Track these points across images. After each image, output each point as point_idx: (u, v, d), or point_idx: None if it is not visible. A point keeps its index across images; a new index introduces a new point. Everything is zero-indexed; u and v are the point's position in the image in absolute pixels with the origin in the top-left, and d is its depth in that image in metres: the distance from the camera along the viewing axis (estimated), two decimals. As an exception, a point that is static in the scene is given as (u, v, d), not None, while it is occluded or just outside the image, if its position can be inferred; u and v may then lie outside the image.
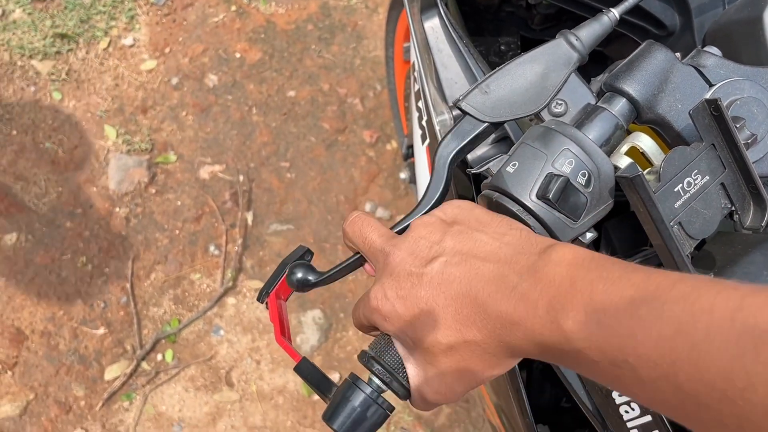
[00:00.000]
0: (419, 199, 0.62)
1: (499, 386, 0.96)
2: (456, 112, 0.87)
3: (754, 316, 0.36)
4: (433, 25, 0.91)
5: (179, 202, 2.31)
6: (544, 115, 0.62)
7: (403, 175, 1.93)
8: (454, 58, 0.88)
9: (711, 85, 0.60)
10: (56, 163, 2.33)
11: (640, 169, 0.53)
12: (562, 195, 0.55)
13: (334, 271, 0.62)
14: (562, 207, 0.55)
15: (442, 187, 0.62)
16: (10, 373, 2.07)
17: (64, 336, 2.12)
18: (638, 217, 0.56)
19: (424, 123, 1.10)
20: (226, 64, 2.52)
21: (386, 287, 0.54)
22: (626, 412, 0.75)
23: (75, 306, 2.16)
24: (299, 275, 0.63)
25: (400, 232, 0.59)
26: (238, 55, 2.54)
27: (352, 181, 2.36)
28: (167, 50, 2.54)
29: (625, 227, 0.87)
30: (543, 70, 0.62)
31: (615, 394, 0.75)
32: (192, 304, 2.20)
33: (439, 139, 0.94)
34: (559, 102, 0.62)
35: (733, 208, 0.58)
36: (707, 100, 0.55)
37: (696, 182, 0.56)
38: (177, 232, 2.28)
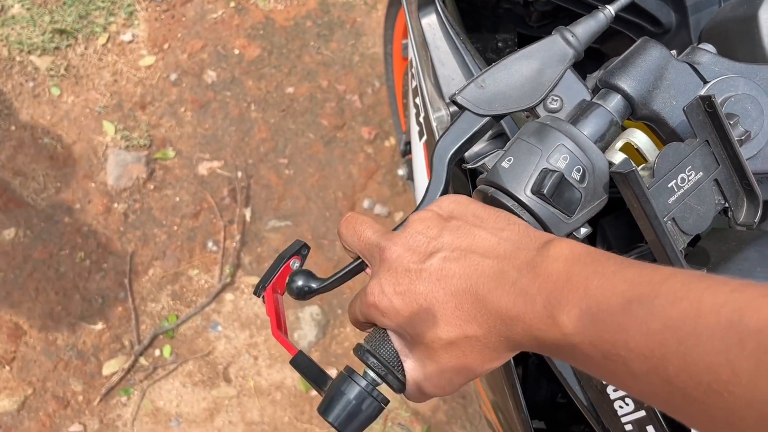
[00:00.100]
0: (419, 198, 0.62)
1: (495, 382, 0.97)
2: (453, 108, 0.87)
3: (740, 312, 0.37)
4: (430, 22, 0.91)
5: (177, 198, 2.32)
6: (540, 110, 0.62)
7: (401, 172, 1.94)
8: (451, 54, 0.88)
9: (705, 82, 0.60)
10: (55, 158, 2.33)
11: (634, 165, 0.53)
12: (556, 190, 0.55)
13: (336, 277, 0.62)
14: (556, 202, 0.56)
15: (442, 186, 0.63)
16: (8, 368, 2.07)
17: (62, 331, 2.13)
18: (632, 213, 0.56)
19: (421, 119, 1.11)
20: (224, 61, 2.52)
21: (384, 283, 0.53)
22: (620, 407, 0.75)
23: (73, 301, 2.16)
24: (300, 283, 0.62)
25: None
26: (236, 52, 2.54)
27: (351, 177, 2.37)
28: (166, 46, 2.54)
29: (620, 224, 0.87)
30: (539, 66, 0.62)
31: (610, 389, 0.76)
32: (190, 299, 2.21)
33: (436, 135, 0.95)
34: (555, 98, 0.62)
35: (727, 205, 0.59)
36: (701, 97, 0.55)
37: (690, 178, 0.56)
38: (175, 228, 2.28)
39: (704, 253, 0.64)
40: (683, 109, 0.57)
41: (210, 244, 2.26)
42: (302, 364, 0.60)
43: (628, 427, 0.75)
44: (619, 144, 0.60)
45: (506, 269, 0.49)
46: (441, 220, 0.55)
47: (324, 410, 0.56)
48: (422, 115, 1.07)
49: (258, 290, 0.63)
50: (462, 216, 0.55)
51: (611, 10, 0.65)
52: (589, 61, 0.74)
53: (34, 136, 2.35)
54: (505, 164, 0.58)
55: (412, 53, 1.10)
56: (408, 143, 1.78)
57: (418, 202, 0.63)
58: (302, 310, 2.18)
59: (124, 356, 2.12)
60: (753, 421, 0.35)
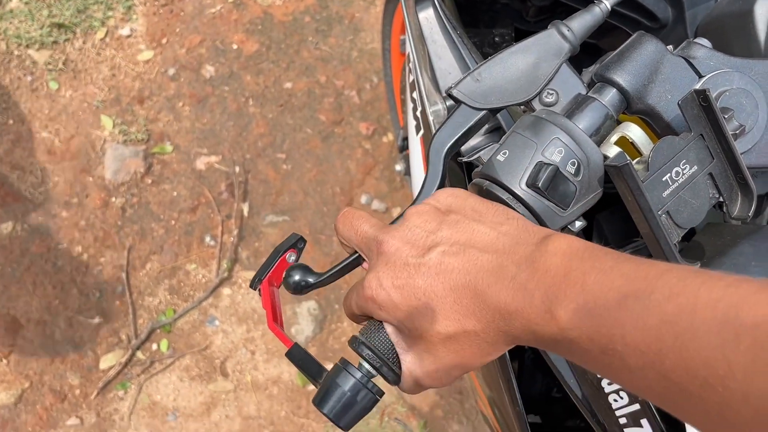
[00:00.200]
0: (415, 192, 0.62)
1: (491, 377, 0.97)
2: (450, 102, 0.87)
3: (736, 307, 0.37)
4: (427, 16, 0.92)
5: (175, 193, 2.32)
6: (535, 104, 0.62)
7: (398, 167, 1.93)
8: (448, 48, 0.88)
9: (700, 77, 0.61)
10: (52, 152, 2.33)
11: (628, 158, 0.53)
12: (551, 183, 0.55)
13: (333, 272, 0.62)
14: (551, 195, 0.56)
15: (438, 180, 0.63)
16: (5, 361, 2.08)
17: (60, 325, 2.13)
18: (627, 206, 0.56)
19: (418, 114, 1.11)
20: (223, 56, 2.52)
21: (382, 276, 0.53)
22: (615, 401, 0.76)
23: (70, 295, 2.16)
24: (297, 277, 0.62)
25: None
26: (235, 47, 2.54)
27: (348, 173, 2.37)
28: (164, 41, 2.53)
29: (616, 219, 0.87)
30: (535, 60, 0.62)
31: (604, 383, 0.76)
32: (187, 294, 2.21)
33: (433, 130, 0.95)
34: (550, 92, 0.62)
35: (721, 198, 0.59)
36: (696, 91, 0.55)
37: (684, 172, 0.56)
38: (173, 222, 2.28)
39: (699, 247, 0.64)
40: (678, 103, 0.57)
41: (207, 238, 2.26)
42: (298, 356, 0.60)
43: (623, 420, 0.75)
44: (614, 138, 0.60)
45: (505, 264, 0.49)
46: (439, 214, 0.55)
47: (319, 402, 0.56)
48: (419, 109, 1.07)
49: (254, 283, 0.63)
50: (460, 210, 0.55)
51: (607, 4, 0.65)
52: (587, 56, 0.74)
53: (32, 130, 2.35)
54: (500, 157, 0.58)
55: (409, 48, 1.10)
56: (406, 139, 1.78)
57: (415, 197, 0.63)
58: (299, 305, 2.18)
59: (121, 350, 2.12)
60: (748, 416, 0.36)
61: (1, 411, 2.02)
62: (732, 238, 0.63)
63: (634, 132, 0.60)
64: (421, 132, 1.10)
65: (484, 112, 0.63)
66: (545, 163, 0.56)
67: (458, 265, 0.51)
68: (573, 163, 0.56)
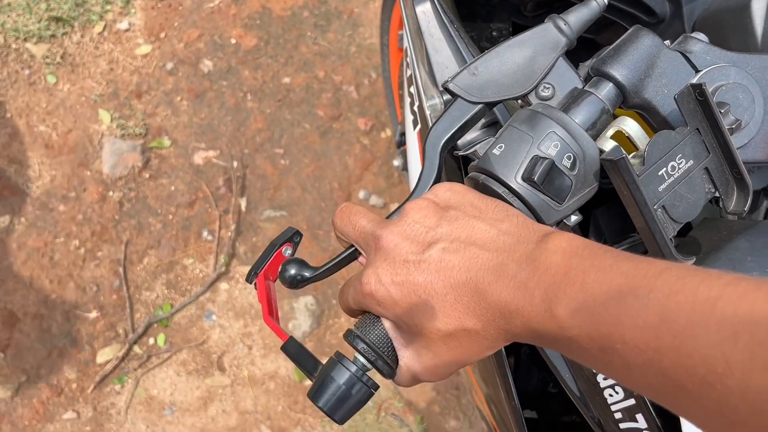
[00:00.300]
0: (412, 186, 0.62)
1: (487, 373, 0.97)
2: (447, 96, 0.87)
3: (734, 305, 0.37)
4: (424, 10, 0.91)
5: (173, 187, 2.31)
6: (532, 98, 0.62)
7: (396, 163, 1.93)
8: (445, 42, 0.88)
9: (697, 71, 0.60)
10: (50, 146, 2.33)
11: (624, 152, 0.53)
12: (547, 177, 0.55)
13: (329, 266, 0.62)
14: (547, 189, 0.56)
15: (435, 174, 0.62)
16: (2, 355, 2.07)
17: (57, 319, 2.13)
18: (622, 201, 0.56)
19: (415, 108, 1.11)
20: (221, 50, 2.52)
21: (381, 272, 0.53)
22: (610, 396, 0.76)
23: (67, 289, 2.16)
24: (293, 271, 0.62)
25: None
26: (233, 41, 2.53)
27: (346, 168, 2.37)
28: (162, 35, 2.53)
29: (613, 215, 0.87)
30: (531, 54, 0.62)
31: (600, 378, 0.76)
32: (184, 288, 2.21)
33: (430, 124, 0.95)
34: (547, 86, 0.62)
35: (717, 193, 0.59)
36: (692, 85, 0.55)
37: (680, 166, 0.56)
38: (170, 217, 2.28)
39: (695, 242, 0.64)
40: (674, 98, 0.57)
41: (205, 233, 2.26)
42: (293, 350, 0.60)
43: (618, 415, 0.76)
44: (610, 132, 0.60)
45: (506, 262, 0.49)
46: (438, 210, 0.55)
47: (314, 395, 0.56)
48: (416, 104, 1.07)
49: (250, 277, 0.63)
50: (459, 206, 0.55)
51: (604, -2, 0.65)
52: (584, 51, 0.74)
53: (30, 124, 2.35)
54: (496, 151, 0.58)
55: (406, 42, 1.10)
56: (403, 134, 1.78)
57: (411, 190, 0.63)
58: (297, 300, 2.18)
59: (118, 344, 2.12)
60: (746, 412, 0.36)
61: (-3, 405, 2.03)
62: (728, 234, 0.63)
63: (631, 126, 0.60)
64: (419, 127, 1.10)
65: (480, 105, 0.63)
66: (541, 157, 0.55)
67: (459, 263, 0.51)
68: (569, 157, 0.56)
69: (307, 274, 0.62)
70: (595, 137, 0.59)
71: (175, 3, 2.58)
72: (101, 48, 2.49)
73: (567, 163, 0.56)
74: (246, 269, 2.22)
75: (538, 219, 0.57)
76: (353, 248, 0.61)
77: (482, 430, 1.89)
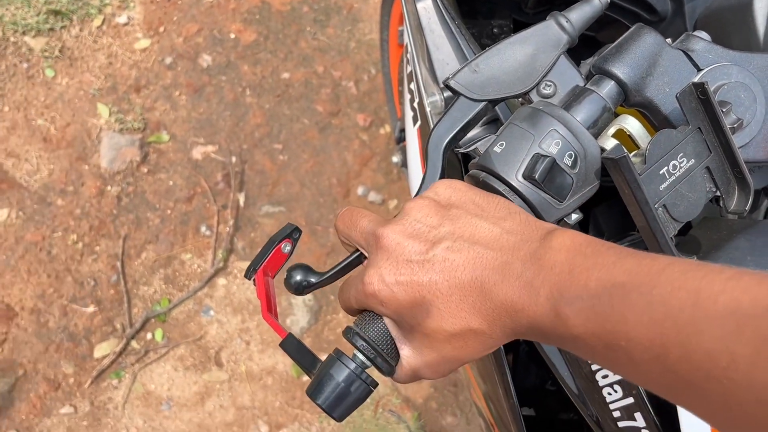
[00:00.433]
0: (413, 185, 0.62)
1: (486, 371, 0.97)
2: (447, 93, 0.87)
3: (737, 299, 0.37)
4: (425, 6, 0.91)
5: (171, 182, 2.31)
6: (533, 96, 0.62)
7: (395, 159, 1.93)
8: (446, 39, 0.88)
9: (699, 70, 0.60)
10: (48, 140, 2.32)
11: (625, 151, 0.53)
12: (548, 175, 0.55)
13: (334, 270, 0.62)
14: (548, 187, 0.55)
15: (438, 175, 0.62)
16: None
17: (54, 313, 2.13)
18: (623, 199, 0.56)
19: (415, 105, 1.10)
20: (220, 45, 2.51)
21: (384, 272, 0.53)
22: (609, 394, 0.76)
23: (65, 284, 2.16)
24: (298, 278, 0.62)
25: None
26: (232, 36, 2.53)
27: (345, 164, 2.36)
28: (161, 29, 2.52)
29: (613, 212, 0.87)
30: (533, 51, 0.62)
31: (598, 376, 0.76)
32: (182, 284, 2.21)
33: (430, 120, 0.95)
34: (548, 83, 0.62)
35: (718, 192, 0.59)
36: (694, 84, 0.55)
37: (681, 165, 0.56)
38: (168, 211, 2.28)
39: (695, 241, 0.64)
40: (676, 96, 0.56)
41: (203, 228, 2.26)
42: (291, 346, 0.59)
43: (617, 413, 0.75)
44: (612, 130, 0.60)
45: (511, 261, 0.49)
46: (440, 208, 0.54)
47: (312, 392, 0.56)
48: (416, 100, 1.07)
49: (249, 273, 0.63)
50: (461, 204, 0.55)
51: (606, -4, 0.64)
52: (585, 49, 0.73)
53: (28, 118, 2.34)
54: (497, 149, 0.58)
55: (407, 38, 1.10)
56: (403, 130, 1.78)
57: (412, 189, 0.63)
58: (295, 296, 2.18)
59: (115, 339, 2.12)
60: (750, 406, 0.36)
61: (-6, 399, 2.02)
62: (728, 233, 0.63)
63: (632, 125, 0.60)
64: (418, 123, 1.10)
65: (482, 104, 0.62)
66: (542, 155, 0.55)
67: (463, 262, 0.50)
68: (570, 155, 0.56)
69: (312, 279, 0.62)
70: (597, 135, 0.59)
71: (174, -3, 2.58)
72: (100, 42, 2.49)
73: (568, 161, 0.56)
74: (244, 265, 2.22)
75: (539, 217, 0.57)
76: (358, 252, 0.60)
77: (479, 427, 1.89)
